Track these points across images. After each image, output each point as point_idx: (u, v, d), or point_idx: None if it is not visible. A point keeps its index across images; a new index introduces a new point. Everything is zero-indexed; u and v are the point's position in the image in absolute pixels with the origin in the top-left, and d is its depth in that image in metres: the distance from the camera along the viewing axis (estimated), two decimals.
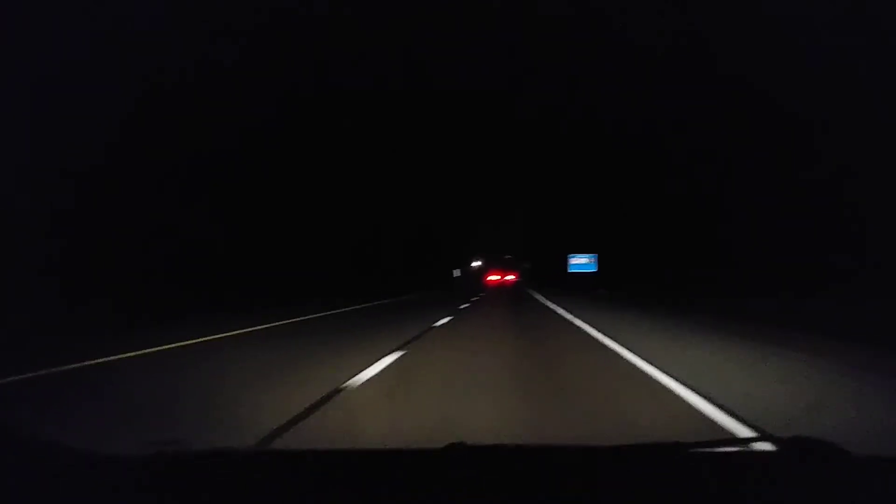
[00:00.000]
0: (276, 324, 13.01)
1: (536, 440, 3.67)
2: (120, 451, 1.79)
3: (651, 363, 6.88)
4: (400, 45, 37.32)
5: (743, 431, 4.00)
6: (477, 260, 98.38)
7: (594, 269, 47.77)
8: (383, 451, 2.15)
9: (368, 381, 6.04)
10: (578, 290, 34.99)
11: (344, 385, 5.71)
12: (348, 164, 36.19)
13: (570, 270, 49.64)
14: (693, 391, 5.28)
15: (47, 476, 1.58)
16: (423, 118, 52.31)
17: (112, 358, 7.74)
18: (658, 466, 1.72)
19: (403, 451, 2.10)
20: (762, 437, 3.41)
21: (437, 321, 13.66)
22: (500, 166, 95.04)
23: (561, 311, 17.19)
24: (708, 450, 1.89)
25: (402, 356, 7.81)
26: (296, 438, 3.90)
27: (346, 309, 18.64)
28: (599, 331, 10.81)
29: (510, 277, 76.89)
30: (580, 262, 49.51)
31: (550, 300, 23.93)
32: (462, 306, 20.74)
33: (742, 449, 1.82)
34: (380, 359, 7.39)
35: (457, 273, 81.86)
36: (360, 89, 37.84)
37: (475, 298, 27.67)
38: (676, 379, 5.84)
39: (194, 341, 9.57)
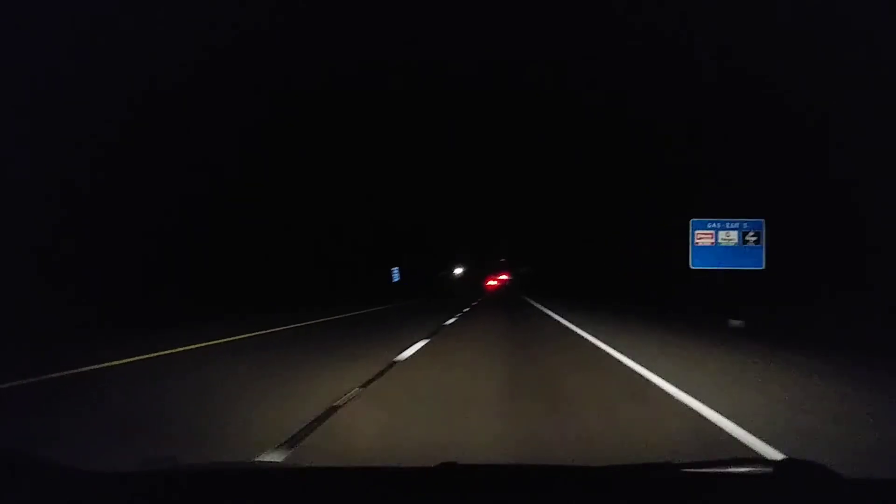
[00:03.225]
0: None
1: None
2: (111, 467, 1.77)
3: None
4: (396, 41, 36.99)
5: None
6: (460, 266, 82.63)
7: (759, 265, 15.98)
8: (377, 469, 2.13)
9: None
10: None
11: None
12: (325, 164, 35.25)
13: (693, 266, 16.66)
14: None
15: (37, 495, 1.55)
16: (414, 114, 51.54)
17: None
18: (653, 487, 1.72)
19: (397, 469, 2.09)
20: (757, 459, 3.24)
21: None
22: (500, 165, 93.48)
23: None
24: (700, 470, 1.88)
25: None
26: None
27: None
28: None
29: (503, 278, 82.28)
30: (722, 240, 16.05)
31: None
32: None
33: (736, 470, 1.82)
34: None
35: (395, 274, 50.72)
36: (359, 88, 37.70)
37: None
38: None
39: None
